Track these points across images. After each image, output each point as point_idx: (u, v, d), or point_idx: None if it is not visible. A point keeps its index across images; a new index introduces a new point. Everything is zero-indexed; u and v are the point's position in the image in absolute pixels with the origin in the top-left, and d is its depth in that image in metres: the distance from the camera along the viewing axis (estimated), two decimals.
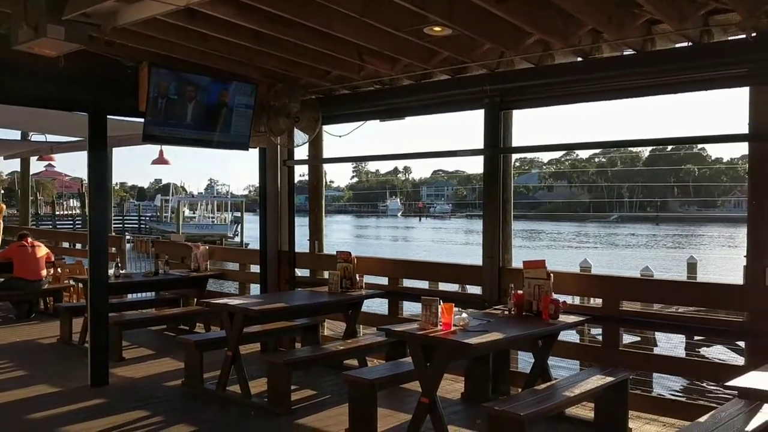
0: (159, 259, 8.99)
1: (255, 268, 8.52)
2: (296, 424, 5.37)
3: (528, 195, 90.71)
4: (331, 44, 5.92)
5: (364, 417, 5.01)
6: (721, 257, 34.04)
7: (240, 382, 5.97)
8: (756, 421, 4.06)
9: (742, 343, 5.80)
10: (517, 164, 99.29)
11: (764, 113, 4.86)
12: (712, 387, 8.81)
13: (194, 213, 51.63)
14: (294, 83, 7.29)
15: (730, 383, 3.40)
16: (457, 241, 49.43)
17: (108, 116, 6.33)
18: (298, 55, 6.33)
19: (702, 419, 4.05)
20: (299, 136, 7.55)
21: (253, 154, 8.18)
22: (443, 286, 8.08)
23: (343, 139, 7.89)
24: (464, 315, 4.91)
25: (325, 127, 7.79)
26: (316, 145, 7.97)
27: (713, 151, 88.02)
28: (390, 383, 5.33)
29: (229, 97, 6.92)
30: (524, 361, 6.51)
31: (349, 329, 6.96)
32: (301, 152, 8.16)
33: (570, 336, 9.76)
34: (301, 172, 8.81)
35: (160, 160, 11.77)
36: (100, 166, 6.34)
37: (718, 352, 11.76)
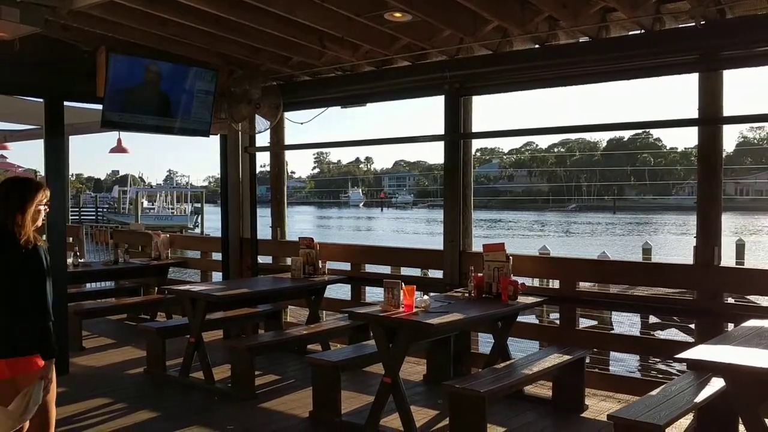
0: (118, 248, 8.89)
1: (217, 256, 8.49)
2: (260, 408, 5.41)
3: (489, 184, 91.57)
4: (293, 30, 5.93)
5: (327, 399, 5.07)
6: (675, 242, 34.94)
7: (203, 369, 5.97)
8: (704, 393, 4.25)
9: (693, 326, 6.03)
10: (478, 154, 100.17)
11: (711, 98, 5.04)
12: (667, 366, 9.12)
13: (153, 204, 50.84)
14: (255, 69, 7.26)
15: (679, 355, 3.55)
16: (419, 231, 49.66)
17: (65, 103, 6.24)
18: (259, 41, 6.32)
19: (653, 393, 4.21)
20: (260, 123, 7.53)
21: (214, 144, 8.16)
22: (406, 271, 8.19)
23: (306, 127, 7.91)
24: (425, 297, 5.00)
25: (287, 114, 7.79)
26: (277, 131, 7.97)
27: (668, 140, 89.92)
28: (353, 365, 5.40)
29: (189, 83, 6.87)
30: (485, 343, 6.64)
31: (312, 315, 7.00)
32: (263, 139, 8.16)
33: (530, 319, 9.95)
34: (262, 162, 8.79)
35: (119, 149, 11.56)
36: (57, 154, 6.24)
37: (672, 335, 12.11)
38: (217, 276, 8.57)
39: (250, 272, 8.07)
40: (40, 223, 3.42)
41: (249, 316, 7.09)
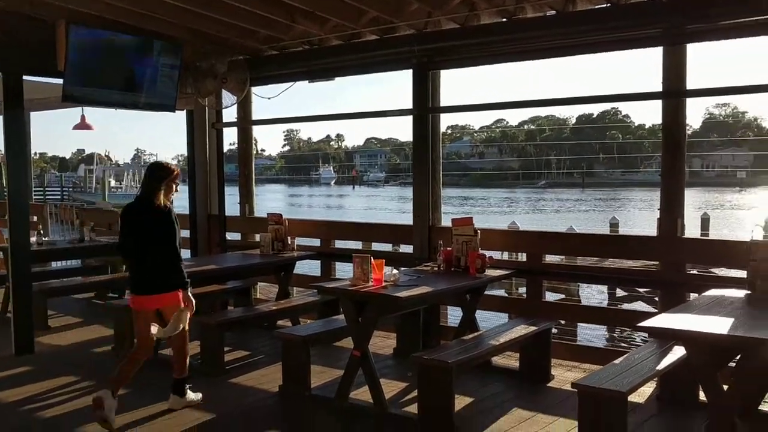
0: (84, 227, 8.75)
1: (185, 234, 8.39)
2: (230, 383, 5.41)
3: (460, 162, 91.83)
4: (260, 4, 5.85)
5: (297, 373, 5.09)
6: (642, 217, 35.49)
7: None
8: (666, 361, 4.37)
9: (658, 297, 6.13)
10: (449, 131, 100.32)
11: (675, 72, 5.10)
12: (632, 336, 9.31)
13: (121, 183, 50.11)
14: (222, 44, 7.15)
15: (641, 324, 3.62)
16: (391, 209, 49.74)
17: (24, 77, 6.09)
18: (226, 15, 6.22)
19: (617, 361, 4.32)
20: (227, 98, 7.44)
21: (183, 122, 8.04)
22: (376, 247, 8.19)
23: (274, 104, 7.83)
24: (395, 271, 5.03)
25: (254, 89, 7.71)
26: (244, 107, 7.88)
27: (637, 117, 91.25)
28: (322, 340, 5.42)
29: (154, 57, 6.74)
30: (454, 316, 6.70)
31: (281, 291, 7.00)
32: (231, 115, 8.07)
33: (499, 293, 10.06)
34: (231, 141, 8.69)
35: (83, 125, 11.25)
36: (16, 129, 6.09)
37: (638, 307, 12.36)
38: (185, 253, 8.46)
39: (218, 249, 8.02)
40: (172, 196, 4.65)
41: (218, 293, 7.05)
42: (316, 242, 7.44)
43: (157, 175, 4.57)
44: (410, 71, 6.38)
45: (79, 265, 9.29)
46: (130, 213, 4.69)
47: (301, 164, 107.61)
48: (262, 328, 6.84)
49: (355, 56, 6.74)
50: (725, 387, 3.54)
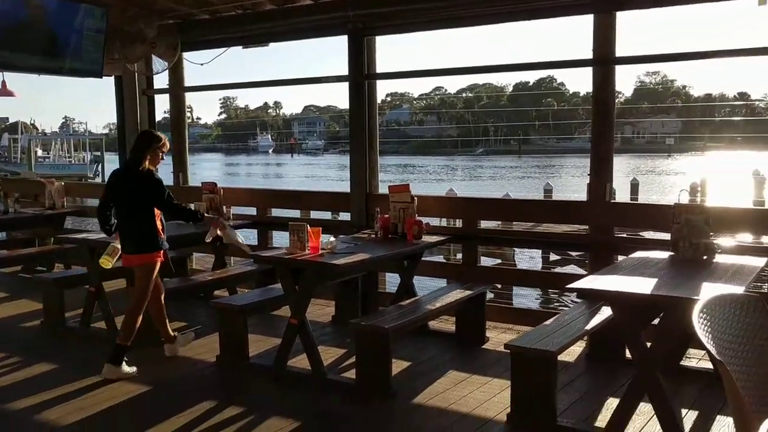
0: (8, 198, 8.40)
1: None
2: (166, 355, 5.33)
3: (399, 129, 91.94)
4: None
5: (234, 343, 5.06)
6: (575, 183, 36.39)
7: (105, 318, 5.81)
8: (595, 321, 4.53)
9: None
10: (389, 99, 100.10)
11: (605, 39, 5.19)
12: (565, 298, 9.62)
13: (48, 153, 48.19)
14: (149, 7, 6.90)
15: (569, 285, 3.73)
16: (330, 177, 49.55)
17: None
18: None
19: (548, 322, 4.45)
20: (158, 64, 7.22)
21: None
22: (315, 215, 8.18)
23: (208, 70, 7.63)
24: (332, 239, 5.03)
25: (186, 55, 7.49)
26: (176, 73, 7.65)
27: (571, 85, 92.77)
28: (260, 309, 5.39)
29: (78, 21, 6.46)
30: (392, 283, 6.77)
31: (218, 261, 6.91)
32: (162, 82, 7.83)
33: (438, 259, 10.20)
34: (166, 108, 8.42)
35: (4, 92, 10.73)
36: None
37: (571, 270, 12.75)
38: None
39: None
40: (158, 164, 4.92)
41: None
42: (252, 211, 7.35)
43: (144, 143, 4.85)
44: (345, 37, 6.30)
45: (4, 238, 8.94)
46: (115, 177, 4.96)
47: (239, 132, 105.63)
48: (198, 298, 6.75)
49: (289, 21, 6.61)
50: (649, 344, 3.70)
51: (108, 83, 7.82)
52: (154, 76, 7.63)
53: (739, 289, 3.49)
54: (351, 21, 6.12)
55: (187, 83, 7.90)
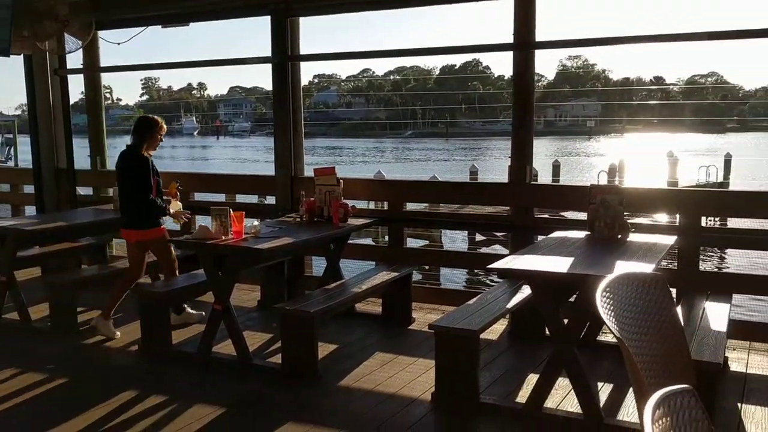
0: None
1: (30, 189, 7.83)
2: (85, 345, 5.17)
3: (327, 111, 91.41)
4: None
5: (157, 331, 4.94)
6: (499, 165, 37.16)
7: (18, 308, 5.58)
8: (516, 299, 4.65)
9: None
10: (316, 80, 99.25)
11: (525, 24, 5.28)
12: (491, 278, 9.84)
13: None
14: None
15: (490, 266, 3.82)
16: (258, 159, 48.88)
17: None
18: None
19: (471, 302, 4.54)
20: (71, 42, 6.89)
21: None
22: (241, 199, 8.04)
23: (127, 50, 7.35)
24: (256, 223, 4.97)
25: (101, 33, 7.21)
26: (91, 52, 7.36)
27: (496, 68, 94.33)
28: (183, 295, 5.29)
29: None
30: (320, 266, 6.75)
31: None
32: (77, 61, 7.51)
33: (366, 241, 10.25)
34: (83, 89, 8.05)
35: None
36: None
37: (496, 249, 13.05)
38: (31, 210, 7.93)
39: (69, 205, 7.54)
40: (156, 145, 5.30)
41: (69, 251, 6.67)
42: None
43: (141, 128, 5.20)
44: (268, 18, 6.19)
45: None
46: (118, 160, 5.27)
47: (162, 114, 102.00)
48: None
49: (210, 1, 6.44)
50: (566, 321, 3.84)
51: (17, 62, 7.44)
52: (68, 56, 7.29)
53: (649, 267, 3.65)
54: (273, 1, 6.01)
55: (104, 63, 7.61)
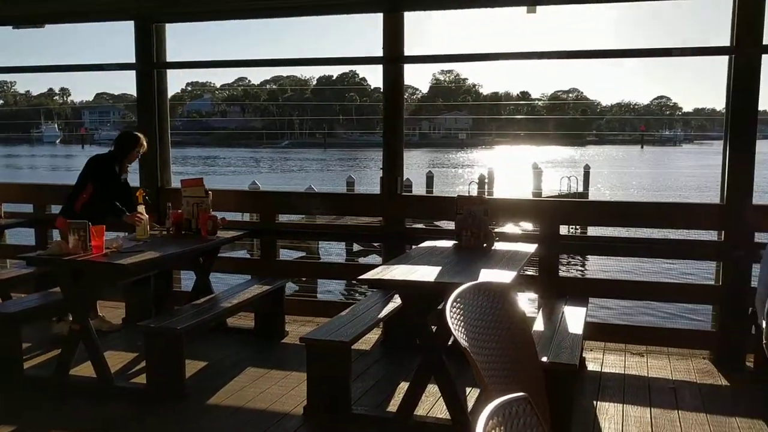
0: None
1: None
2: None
3: (201, 120, 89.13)
4: None
5: (7, 355, 4.57)
6: (376, 175, 37.69)
7: None
8: (388, 309, 4.71)
9: None
10: (189, 89, 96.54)
11: (394, 38, 5.37)
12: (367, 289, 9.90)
13: None
14: None
15: (360, 277, 3.84)
16: (133, 168, 46.80)
17: None
18: None
19: (343, 313, 4.55)
20: None
21: None
22: None
23: None
24: (117, 237, 4.73)
25: None
26: None
27: (373, 80, 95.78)
28: (37, 315, 4.93)
29: None
30: (189, 281, 6.53)
31: None
32: None
33: (241, 254, 10.02)
34: None
35: None
36: None
37: (372, 260, 13.18)
38: None
39: None
40: (133, 159, 5.52)
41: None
42: (28, 208, 6.69)
43: (120, 143, 5.42)
44: (132, 23, 5.94)
45: None
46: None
47: (19, 121, 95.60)
48: None
49: (69, 3, 6.09)
50: (435, 328, 3.92)
51: None
52: None
53: (512, 274, 3.81)
54: (135, 7, 5.77)
55: None
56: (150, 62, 5.95)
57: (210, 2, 5.78)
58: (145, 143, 5.45)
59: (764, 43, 4.63)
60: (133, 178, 6.12)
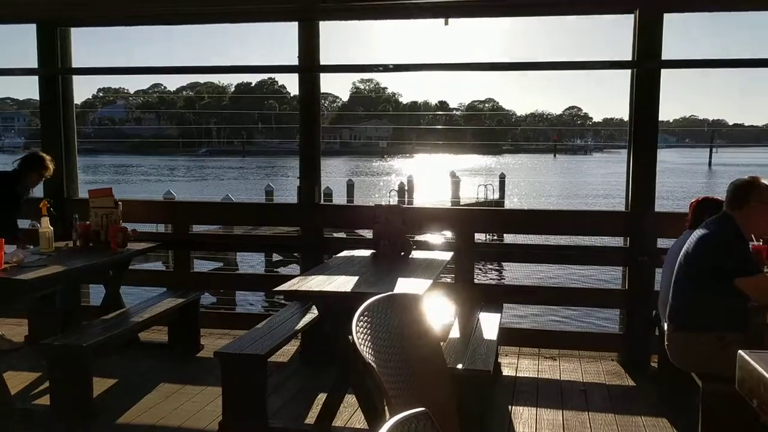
0: None
1: None
2: None
3: (114, 128, 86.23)
4: None
5: None
6: (295, 184, 37.47)
7: None
8: (305, 320, 4.66)
9: None
10: (101, 95, 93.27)
11: (309, 47, 5.35)
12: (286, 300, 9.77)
13: None
14: None
15: (276, 288, 3.79)
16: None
17: None
18: None
19: (259, 325, 4.47)
20: None
21: None
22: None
23: None
24: (18, 251, 4.49)
25: None
26: None
27: (292, 88, 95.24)
28: None
29: None
30: (100, 294, 6.28)
31: None
32: None
33: (156, 266, 9.74)
34: None
35: None
36: None
37: (292, 270, 13.05)
38: None
39: None
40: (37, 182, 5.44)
41: None
42: None
43: (26, 164, 5.36)
44: (34, 26, 5.68)
45: None
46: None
47: None
48: None
49: None
50: (351, 338, 3.90)
51: None
52: None
53: (428, 282, 3.83)
54: (38, 9, 5.52)
55: None
56: (54, 67, 5.70)
57: (119, 8, 5.59)
58: (51, 167, 5.36)
59: (663, 58, 4.88)
60: (37, 188, 5.84)
